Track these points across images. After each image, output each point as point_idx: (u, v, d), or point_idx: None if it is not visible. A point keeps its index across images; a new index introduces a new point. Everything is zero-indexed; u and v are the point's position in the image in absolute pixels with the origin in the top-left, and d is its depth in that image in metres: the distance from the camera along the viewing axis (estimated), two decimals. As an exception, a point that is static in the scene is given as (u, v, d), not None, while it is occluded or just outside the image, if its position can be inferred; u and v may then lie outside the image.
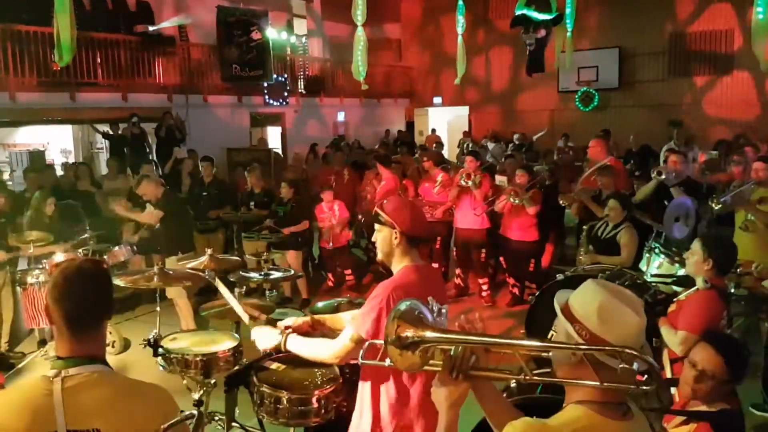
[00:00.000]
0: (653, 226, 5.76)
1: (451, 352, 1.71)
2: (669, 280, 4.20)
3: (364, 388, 2.74)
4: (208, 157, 9.24)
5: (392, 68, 20.84)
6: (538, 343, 1.72)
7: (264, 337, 2.87)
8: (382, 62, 20.15)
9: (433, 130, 19.34)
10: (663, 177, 6.15)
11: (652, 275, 4.61)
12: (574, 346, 1.62)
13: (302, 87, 17.27)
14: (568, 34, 14.14)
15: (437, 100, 20.88)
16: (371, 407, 2.68)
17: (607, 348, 1.57)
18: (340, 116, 18.46)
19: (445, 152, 17.25)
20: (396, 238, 2.70)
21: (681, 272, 4.26)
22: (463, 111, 20.60)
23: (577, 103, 18.24)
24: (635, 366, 1.55)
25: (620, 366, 1.54)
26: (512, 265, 7.74)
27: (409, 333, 1.70)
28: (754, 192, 5.45)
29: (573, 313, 1.67)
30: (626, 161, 10.29)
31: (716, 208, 5.36)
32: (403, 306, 1.76)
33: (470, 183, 7.55)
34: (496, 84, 19.93)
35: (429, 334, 1.70)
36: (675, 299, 3.77)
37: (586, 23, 17.12)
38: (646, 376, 1.58)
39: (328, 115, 18.07)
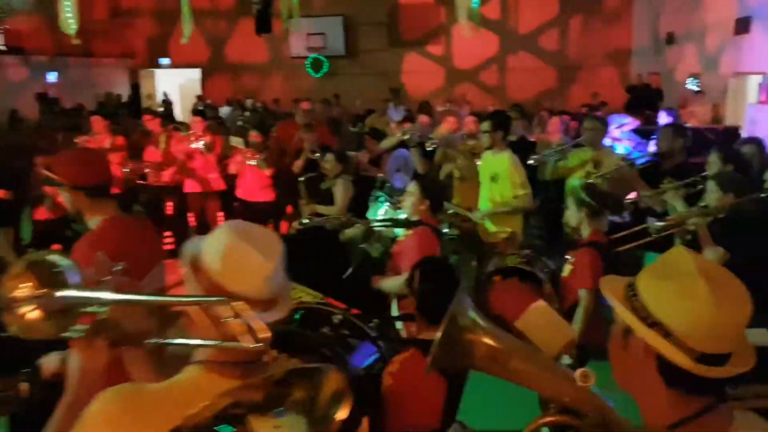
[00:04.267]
0: (377, 178, 6.16)
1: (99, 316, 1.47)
2: (389, 222, 4.53)
3: None
4: None
5: (110, 23, 19.05)
6: (137, 297, 1.49)
7: None
8: (97, 15, 18.33)
9: (165, 94, 18.28)
10: (407, 137, 6.54)
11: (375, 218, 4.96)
12: (175, 299, 1.47)
13: (2, 42, 15.03)
14: (295, -1, 14.28)
15: (165, 61, 19.69)
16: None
17: (211, 299, 1.39)
18: (52, 77, 16.48)
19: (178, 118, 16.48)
20: (71, 195, 2.48)
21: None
22: (195, 74, 19.74)
23: (308, 68, 18.60)
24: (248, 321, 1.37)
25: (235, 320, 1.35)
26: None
27: (24, 293, 1.39)
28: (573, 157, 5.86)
29: (200, 261, 1.48)
30: (354, 124, 10.85)
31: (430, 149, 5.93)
32: (25, 262, 1.45)
33: (201, 145, 7.37)
34: (230, 47, 19.43)
35: (61, 294, 1.40)
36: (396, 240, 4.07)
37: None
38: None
39: (37, 75, 16.01)
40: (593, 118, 6.00)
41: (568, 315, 3.45)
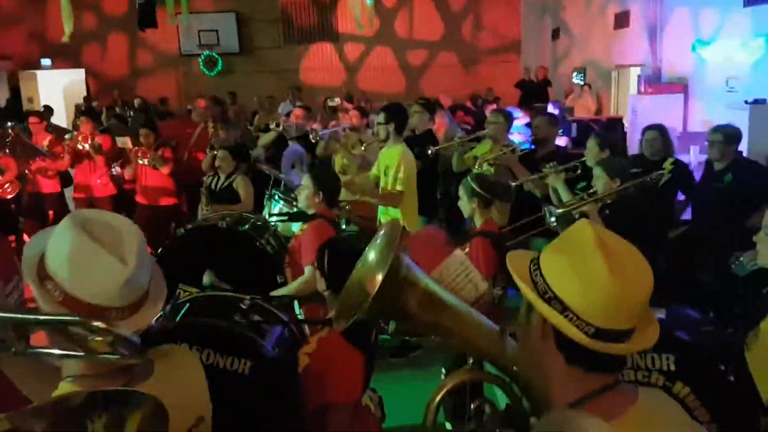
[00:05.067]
0: (272, 175, 6.01)
1: None
2: (285, 217, 4.44)
3: None
4: None
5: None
6: None
7: None
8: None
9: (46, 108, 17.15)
10: (281, 129, 6.66)
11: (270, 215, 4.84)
12: (21, 317, 1.27)
13: None
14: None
15: (46, 62, 18.51)
16: None
17: (64, 318, 1.24)
18: None
19: (63, 121, 15.54)
20: None
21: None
22: (80, 75, 18.68)
23: (201, 67, 18.08)
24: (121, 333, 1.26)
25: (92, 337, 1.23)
26: (150, 234, 7.26)
27: None
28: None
29: (46, 268, 1.31)
30: (252, 122, 10.66)
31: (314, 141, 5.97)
32: None
33: (88, 147, 6.98)
34: (114, 44, 18.52)
35: None
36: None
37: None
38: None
39: None
40: (497, 111, 6.13)
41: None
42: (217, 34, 17.70)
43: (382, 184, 5.18)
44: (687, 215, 5.30)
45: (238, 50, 17.94)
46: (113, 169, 7.17)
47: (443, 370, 3.77)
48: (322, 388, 2.36)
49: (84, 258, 1.28)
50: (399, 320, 1.65)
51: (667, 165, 4.93)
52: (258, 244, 4.41)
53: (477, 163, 5.21)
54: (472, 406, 1.50)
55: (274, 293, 3.58)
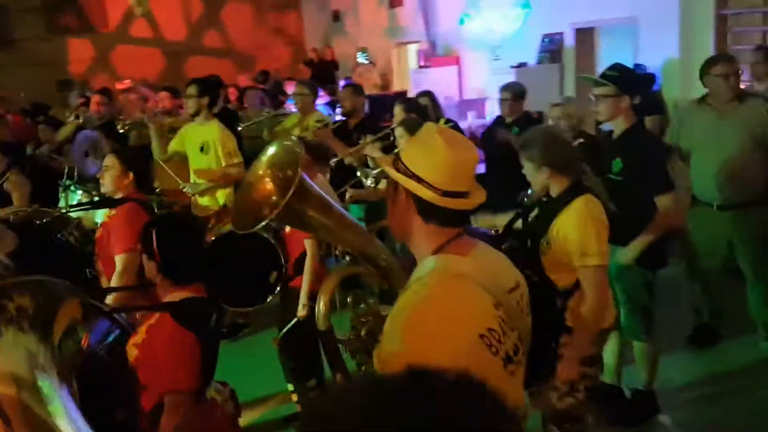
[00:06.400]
0: (64, 164, 5.55)
1: None
2: (88, 205, 4.12)
3: None
4: None
5: None
6: None
7: None
8: None
9: None
10: (81, 120, 6.45)
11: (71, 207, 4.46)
12: None
13: None
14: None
15: None
16: None
17: None
18: None
19: None
20: None
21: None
22: None
23: (-49, 64, 15.88)
24: None
25: None
26: None
27: None
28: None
29: None
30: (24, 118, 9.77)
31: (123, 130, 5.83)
32: None
33: None
34: None
35: None
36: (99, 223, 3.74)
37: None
38: None
39: None
40: (302, 83, 6.17)
41: (298, 266, 3.55)
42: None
43: (194, 163, 4.99)
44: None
45: (-5, 43, 16.02)
46: None
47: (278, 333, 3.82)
48: (156, 378, 2.24)
49: None
50: (296, 225, 1.96)
51: (442, 124, 5.41)
52: (60, 237, 4.06)
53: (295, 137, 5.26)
54: (347, 299, 1.80)
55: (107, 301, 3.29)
